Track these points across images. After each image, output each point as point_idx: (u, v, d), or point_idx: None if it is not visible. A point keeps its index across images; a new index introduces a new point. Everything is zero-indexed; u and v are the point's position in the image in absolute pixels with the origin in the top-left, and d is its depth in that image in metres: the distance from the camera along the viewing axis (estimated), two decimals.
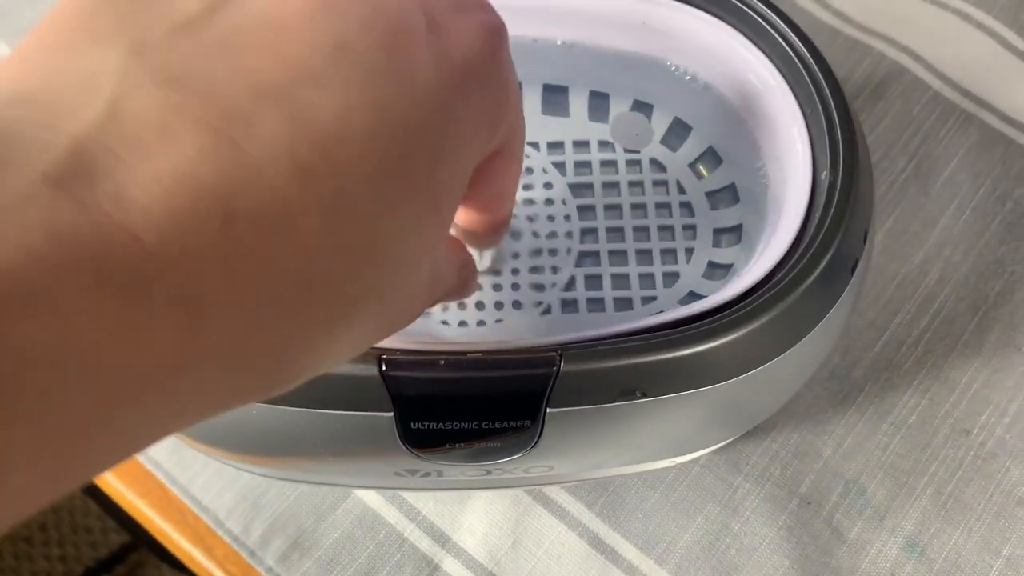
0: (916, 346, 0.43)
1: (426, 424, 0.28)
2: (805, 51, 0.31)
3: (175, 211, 0.13)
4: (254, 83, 0.15)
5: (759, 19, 0.32)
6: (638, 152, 0.37)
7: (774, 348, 0.29)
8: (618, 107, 0.37)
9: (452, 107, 0.18)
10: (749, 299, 0.28)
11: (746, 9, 0.32)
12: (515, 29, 0.35)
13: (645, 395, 0.28)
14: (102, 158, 0.13)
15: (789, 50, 0.31)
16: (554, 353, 0.27)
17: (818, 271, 0.28)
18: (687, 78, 0.35)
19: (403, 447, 0.29)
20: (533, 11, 0.34)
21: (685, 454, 0.35)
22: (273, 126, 0.14)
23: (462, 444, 0.29)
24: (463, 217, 0.26)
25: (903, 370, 0.43)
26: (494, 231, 0.27)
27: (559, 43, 0.35)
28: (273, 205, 0.14)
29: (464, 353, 0.27)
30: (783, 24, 0.31)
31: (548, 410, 0.28)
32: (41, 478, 0.13)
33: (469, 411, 0.28)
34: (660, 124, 0.37)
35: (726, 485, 0.41)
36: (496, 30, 0.21)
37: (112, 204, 0.13)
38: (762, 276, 0.29)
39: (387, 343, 0.28)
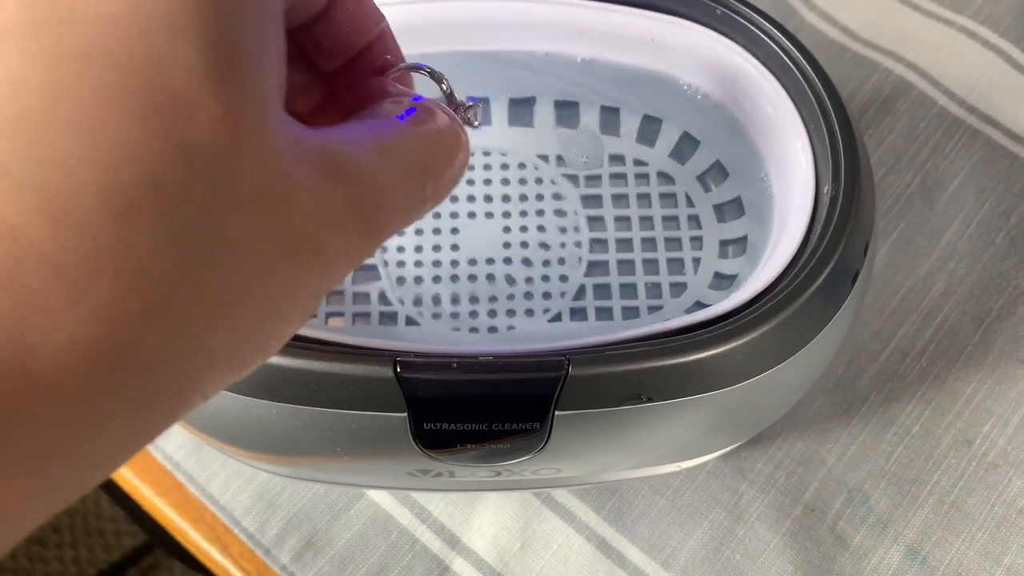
0: (920, 357, 0.44)
1: (439, 425, 0.29)
2: (809, 68, 0.32)
3: None
4: None
5: (766, 38, 0.33)
6: (647, 165, 0.38)
7: (777, 355, 0.29)
8: (628, 122, 0.38)
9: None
10: (752, 308, 0.29)
11: (754, 29, 0.33)
12: (530, 44, 0.37)
13: (651, 399, 0.29)
14: None
15: (794, 67, 0.32)
16: (562, 357, 0.28)
17: (819, 281, 0.29)
18: (698, 96, 0.36)
19: (416, 447, 0.29)
20: (549, 27, 0.35)
21: (690, 459, 0.35)
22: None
23: (473, 445, 0.30)
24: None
25: (907, 381, 0.43)
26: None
27: (579, 60, 0.36)
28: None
29: (476, 356, 0.28)
30: (788, 42, 0.32)
31: (556, 413, 0.28)
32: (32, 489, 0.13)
33: (480, 413, 0.28)
34: (669, 138, 0.38)
35: (731, 491, 0.41)
36: None
37: None
38: (765, 286, 0.30)
39: (402, 346, 0.29)
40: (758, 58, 0.33)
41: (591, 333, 0.35)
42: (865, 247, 0.31)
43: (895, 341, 0.44)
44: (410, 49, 0.37)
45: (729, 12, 0.33)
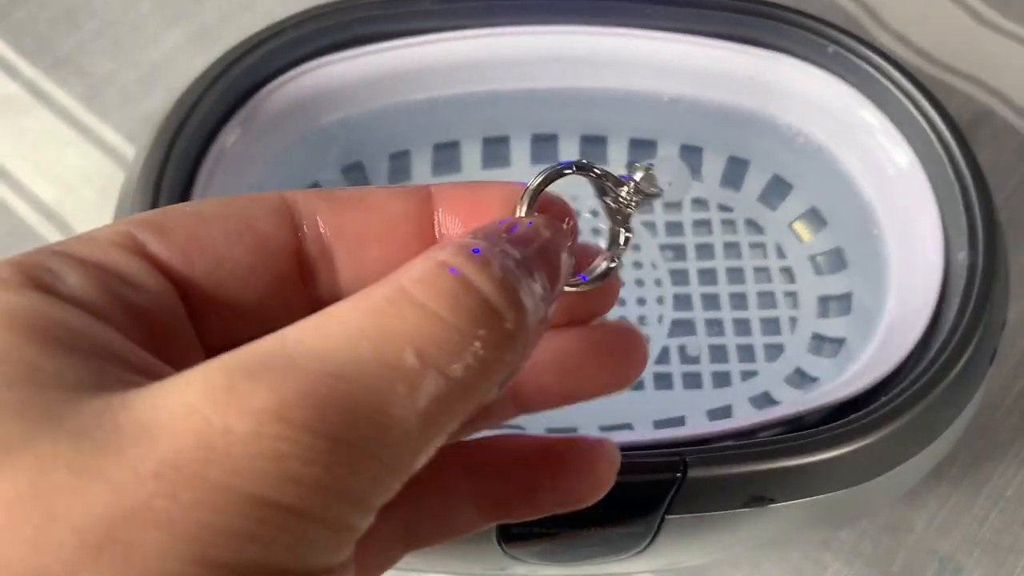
0: (1012, 412, 0.41)
1: (527, 528, 0.25)
2: (939, 120, 0.28)
3: None
4: None
5: (887, 83, 0.29)
6: (732, 211, 0.35)
7: (908, 450, 0.26)
8: (712, 163, 0.35)
9: None
10: (884, 395, 0.26)
11: (872, 72, 0.29)
12: (608, 81, 0.33)
13: (772, 501, 0.25)
14: None
15: (920, 118, 0.29)
16: (677, 458, 0.24)
17: (960, 365, 0.26)
18: (799, 139, 0.32)
19: (500, 549, 0.26)
20: (634, 64, 0.32)
21: (788, 546, 0.32)
22: None
23: (564, 549, 0.26)
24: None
25: (999, 438, 0.40)
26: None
27: (666, 98, 0.32)
28: None
29: None
30: (914, 89, 0.29)
31: (666, 517, 0.25)
32: None
33: (579, 517, 0.25)
34: (757, 181, 0.35)
35: (814, 563, 0.38)
36: None
37: None
38: (894, 367, 0.27)
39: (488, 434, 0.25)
40: (876, 103, 0.30)
41: (679, 404, 0.32)
42: (1003, 322, 0.28)
43: (983, 394, 0.41)
44: (477, 87, 0.33)
45: (843, 51, 0.30)
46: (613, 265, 0.17)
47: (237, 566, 0.11)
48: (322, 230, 0.16)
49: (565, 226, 0.16)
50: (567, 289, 0.16)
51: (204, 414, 0.11)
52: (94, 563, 0.11)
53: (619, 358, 0.17)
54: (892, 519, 0.39)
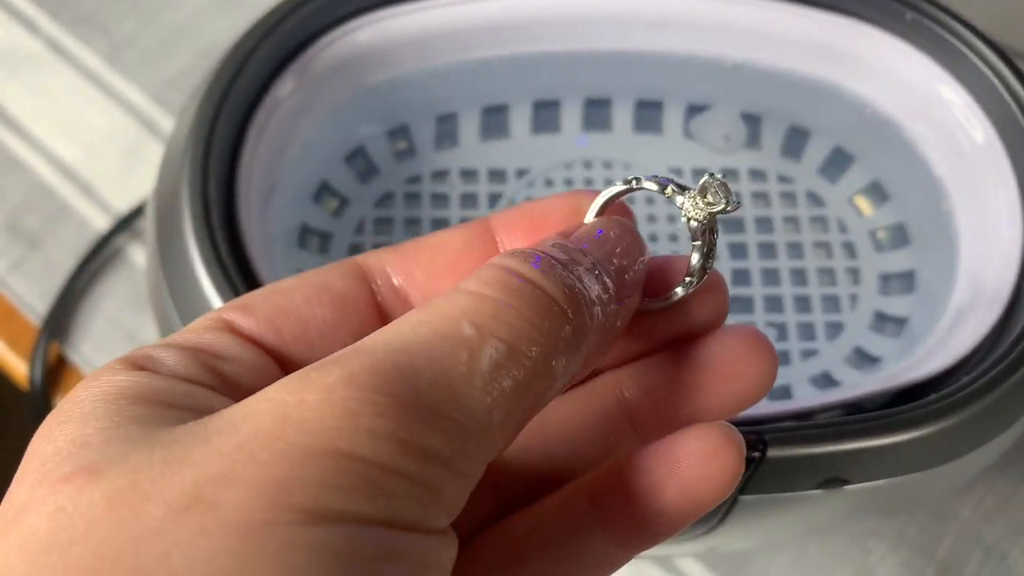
0: None
1: None
2: (1021, 89, 0.27)
3: None
4: None
5: (967, 51, 0.28)
6: (792, 182, 0.33)
7: (985, 434, 0.25)
8: (771, 133, 0.34)
9: None
10: (966, 375, 0.25)
11: (951, 38, 0.28)
12: (668, 44, 0.31)
13: (847, 482, 0.24)
14: None
15: (1003, 88, 0.27)
16: (756, 436, 0.23)
17: None
18: (867, 111, 0.31)
19: None
20: (699, 25, 0.30)
21: (850, 528, 0.31)
22: None
23: None
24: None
25: None
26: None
27: (729, 64, 0.31)
28: None
29: None
30: (996, 57, 0.27)
31: (740, 497, 0.24)
32: None
33: None
34: (818, 152, 0.33)
35: (859, 548, 0.37)
36: None
37: None
38: (970, 350, 0.26)
39: None
40: (954, 75, 0.28)
41: None
42: None
43: None
44: (530, 47, 0.32)
45: (923, 18, 0.28)
46: (689, 280, 0.16)
47: (317, 511, 0.12)
48: (394, 279, 0.17)
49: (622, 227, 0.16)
50: (651, 306, 0.17)
51: (280, 399, 0.13)
52: (180, 522, 0.12)
53: (739, 370, 0.16)
54: (938, 505, 0.38)
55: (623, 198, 0.17)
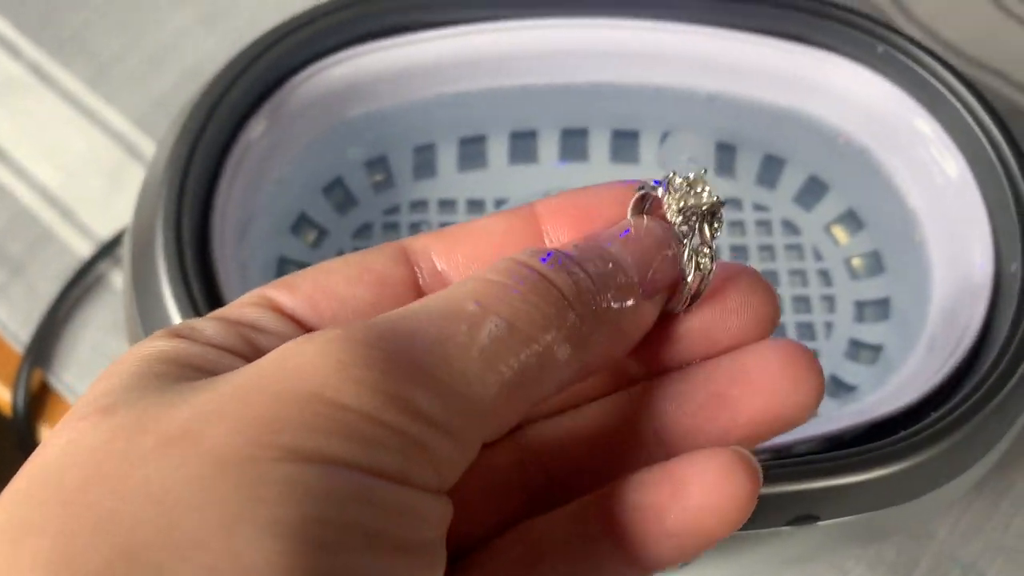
0: None
1: None
2: (995, 129, 0.27)
3: None
4: None
5: (940, 87, 0.28)
6: (768, 210, 0.34)
7: (961, 465, 0.25)
8: (746, 161, 0.34)
9: None
10: (936, 409, 0.25)
11: (923, 73, 0.28)
12: (642, 78, 0.32)
13: (818, 519, 0.25)
14: None
15: (975, 125, 0.28)
16: None
17: (1014, 379, 0.25)
18: (839, 139, 0.31)
19: None
20: (673, 58, 0.30)
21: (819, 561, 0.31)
22: None
23: None
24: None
25: (1022, 444, 0.40)
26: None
27: (704, 94, 0.31)
28: None
29: None
30: (969, 95, 0.28)
31: None
32: None
33: None
34: (793, 181, 0.34)
35: (836, 570, 0.37)
36: None
37: None
38: (944, 379, 0.26)
39: None
40: (927, 108, 0.29)
41: None
42: None
43: None
44: (508, 81, 0.32)
45: (894, 51, 0.29)
46: (688, 280, 0.16)
47: (294, 449, 0.12)
48: (436, 263, 0.17)
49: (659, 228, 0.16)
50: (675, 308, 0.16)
51: (281, 351, 0.14)
52: (165, 452, 0.12)
53: (773, 384, 0.16)
54: (915, 526, 0.38)
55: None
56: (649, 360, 0.17)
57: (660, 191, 0.17)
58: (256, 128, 0.27)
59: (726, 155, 0.34)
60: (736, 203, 0.34)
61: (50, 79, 0.45)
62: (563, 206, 0.17)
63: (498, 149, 0.34)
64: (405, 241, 0.17)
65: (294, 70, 0.28)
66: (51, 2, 0.47)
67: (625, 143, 0.34)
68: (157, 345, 0.15)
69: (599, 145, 0.34)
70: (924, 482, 0.25)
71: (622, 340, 0.16)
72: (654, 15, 0.30)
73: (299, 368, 0.13)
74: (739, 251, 0.33)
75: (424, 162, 0.33)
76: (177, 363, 0.14)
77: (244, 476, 0.12)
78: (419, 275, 0.17)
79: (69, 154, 0.43)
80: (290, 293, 0.16)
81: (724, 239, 0.33)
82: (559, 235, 0.17)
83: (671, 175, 0.17)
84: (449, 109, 0.32)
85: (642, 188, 0.17)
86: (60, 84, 0.45)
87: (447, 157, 0.33)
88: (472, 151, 0.34)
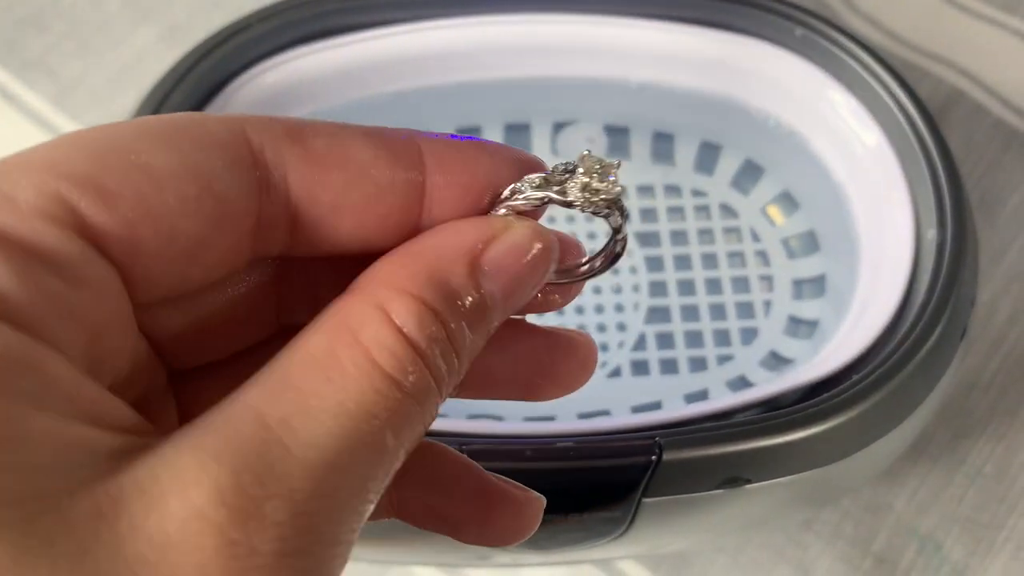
0: (988, 389, 0.41)
1: None
2: (908, 102, 0.28)
3: None
4: None
5: (853, 63, 0.29)
6: (706, 196, 0.35)
7: (882, 428, 0.26)
8: (684, 149, 0.35)
9: None
10: (858, 373, 0.26)
11: (838, 52, 0.30)
12: (574, 70, 0.33)
13: (748, 482, 0.25)
14: None
15: (890, 100, 0.29)
16: (652, 441, 0.24)
17: (931, 341, 0.26)
18: (769, 122, 0.32)
19: None
20: (599, 51, 0.32)
21: (767, 528, 0.32)
22: None
23: (543, 535, 0.26)
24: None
25: (975, 416, 0.40)
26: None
27: (634, 84, 0.32)
28: None
29: (552, 441, 0.25)
30: (884, 72, 0.29)
31: (643, 500, 0.25)
32: None
33: (557, 503, 0.25)
34: (729, 166, 0.35)
35: (796, 545, 0.38)
36: None
37: None
38: (867, 345, 0.27)
39: (468, 428, 0.25)
40: (844, 85, 0.30)
41: (656, 390, 0.32)
42: (973, 299, 0.28)
43: (960, 373, 0.41)
44: (445, 78, 0.33)
45: (812, 34, 0.30)
46: (584, 264, 0.16)
47: None
48: (292, 194, 0.13)
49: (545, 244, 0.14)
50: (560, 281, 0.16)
51: (219, 526, 0.11)
52: None
53: (568, 367, 0.16)
54: (873, 498, 0.39)
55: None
56: None
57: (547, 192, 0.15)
58: None
59: (664, 144, 0.35)
60: (675, 189, 0.35)
61: (17, 100, 0.46)
62: (454, 162, 0.14)
63: None
64: (254, 139, 0.13)
65: (235, 73, 0.29)
66: (16, 26, 0.48)
67: (567, 135, 0.35)
68: None
69: (542, 138, 0.35)
70: (848, 444, 0.26)
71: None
72: (582, 8, 0.31)
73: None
74: (679, 235, 0.34)
75: None
76: None
77: None
78: (266, 202, 0.13)
79: None
80: (104, 204, 0.12)
81: (664, 225, 0.34)
82: (442, 199, 0.14)
83: (586, 152, 0.15)
84: (389, 108, 0.33)
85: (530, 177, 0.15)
86: (25, 104, 0.46)
87: None
88: None
